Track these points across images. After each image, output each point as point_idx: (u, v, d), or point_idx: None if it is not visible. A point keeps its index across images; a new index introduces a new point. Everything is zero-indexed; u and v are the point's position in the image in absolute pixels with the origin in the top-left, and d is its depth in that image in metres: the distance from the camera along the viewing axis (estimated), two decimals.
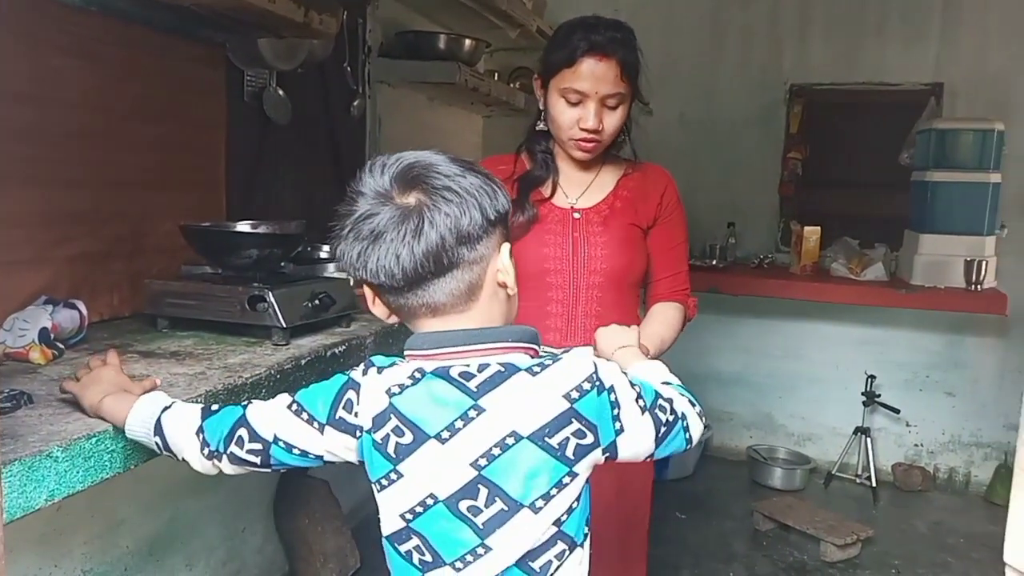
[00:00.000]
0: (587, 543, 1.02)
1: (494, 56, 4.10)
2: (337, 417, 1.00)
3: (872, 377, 3.69)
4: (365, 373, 1.00)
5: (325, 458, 1.03)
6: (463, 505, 0.95)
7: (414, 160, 0.97)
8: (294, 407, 1.03)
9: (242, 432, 1.04)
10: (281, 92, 2.38)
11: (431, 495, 0.96)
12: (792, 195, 3.90)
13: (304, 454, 1.02)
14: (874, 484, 3.64)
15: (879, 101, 3.75)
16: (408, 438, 0.96)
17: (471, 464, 0.94)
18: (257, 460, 1.04)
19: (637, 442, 1.00)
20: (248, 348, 1.57)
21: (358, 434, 0.99)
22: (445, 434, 0.95)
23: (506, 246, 1.00)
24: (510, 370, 0.95)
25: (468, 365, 0.96)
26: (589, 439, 0.95)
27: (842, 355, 3.85)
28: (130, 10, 1.79)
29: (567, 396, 0.94)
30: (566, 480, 0.95)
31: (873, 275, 3.31)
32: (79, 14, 1.69)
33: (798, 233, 3.50)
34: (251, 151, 2.34)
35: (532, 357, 0.99)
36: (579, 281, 1.65)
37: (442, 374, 0.96)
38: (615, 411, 0.97)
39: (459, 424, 0.94)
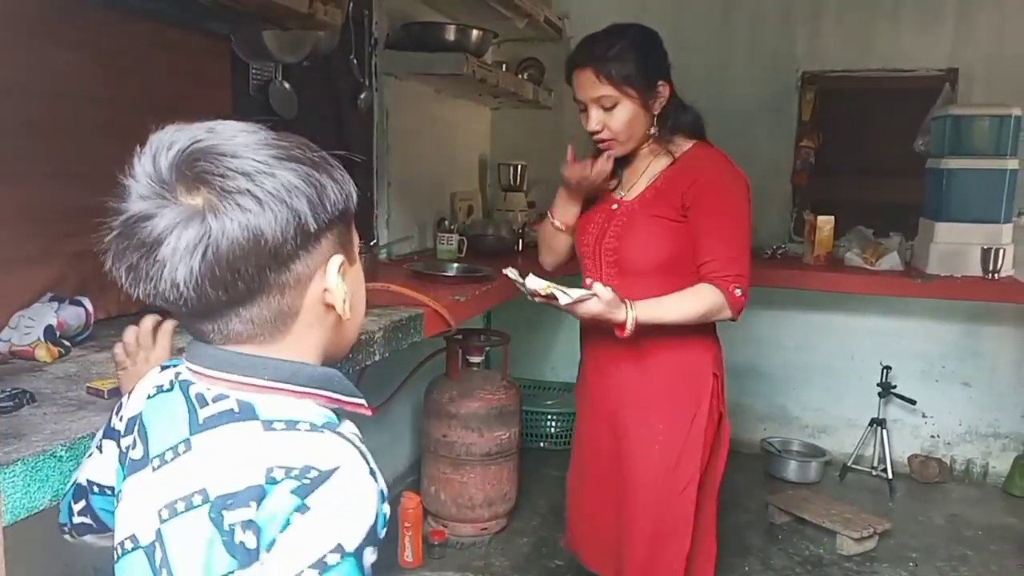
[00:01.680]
0: None
1: (502, 47, 4.07)
2: (110, 424, 0.86)
3: (888, 368, 3.65)
4: (146, 377, 0.86)
5: (116, 487, 0.83)
6: (155, 557, 0.74)
7: (206, 143, 0.72)
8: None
9: (73, 495, 0.90)
10: (287, 85, 2.35)
11: (132, 535, 0.77)
12: (805, 184, 3.85)
13: (102, 491, 0.86)
14: (890, 476, 3.60)
15: (893, 88, 3.69)
16: (137, 452, 0.78)
17: (158, 511, 0.74)
18: (90, 520, 0.89)
19: None
20: None
21: (118, 440, 0.83)
22: (157, 462, 0.76)
23: (334, 260, 0.77)
24: (244, 414, 0.73)
25: (207, 390, 0.76)
26: (251, 539, 0.68)
27: (857, 346, 3.81)
28: (135, 3, 1.77)
29: (269, 470, 0.68)
30: None
31: (888, 264, 3.26)
32: (84, 8, 1.67)
33: (811, 223, 3.45)
34: None
35: (325, 406, 0.77)
36: (600, 267, 1.88)
37: (184, 389, 0.78)
38: (275, 534, 0.67)
39: (169, 455, 0.75)
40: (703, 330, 1.87)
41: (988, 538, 3.16)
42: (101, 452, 0.87)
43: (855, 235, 3.49)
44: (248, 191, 0.69)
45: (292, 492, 0.67)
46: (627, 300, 1.70)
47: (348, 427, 0.75)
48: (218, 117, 2.25)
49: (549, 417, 3.92)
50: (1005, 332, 3.64)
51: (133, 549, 0.76)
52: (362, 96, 2.86)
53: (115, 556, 0.79)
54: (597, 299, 1.65)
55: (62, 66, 1.62)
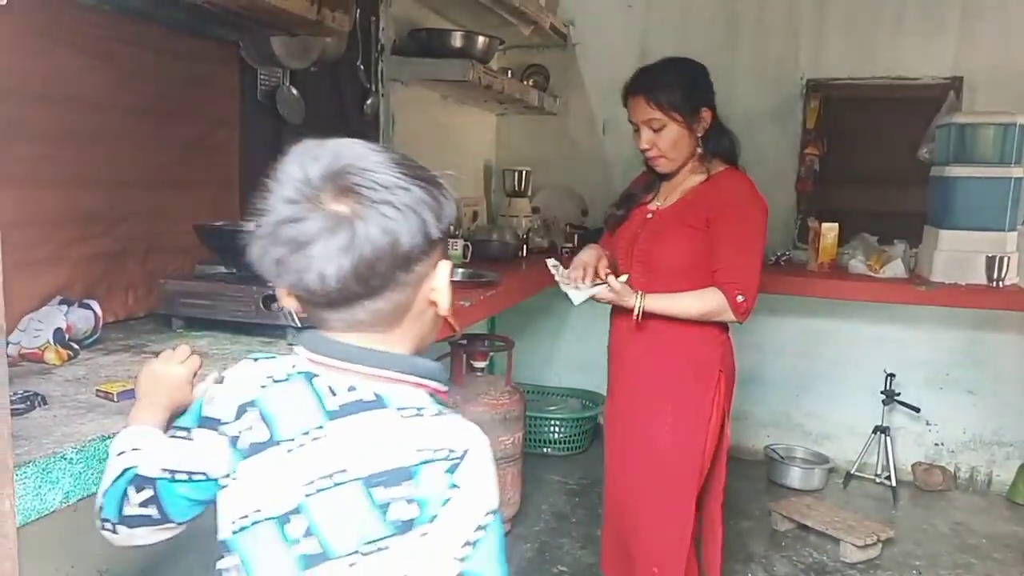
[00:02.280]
0: None
1: (508, 53, 4.09)
2: (203, 415, 0.92)
3: (891, 375, 3.65)
4: (235, 368, 0.94)
5: (209, 473, 0.90)
6: (288, 529, 0.85)
7: (350, 159, 0.83)
8: (169, 431, 0.96)
9: (131, 488, 0.93)
10: (294, 91, 2.37)
11: (258, 509, 0.86)
12: (809, 191, 3.85)
13: (189, 477, 0.91)
14: (894, 484, 3.59)
15: (897, 96, 3.70)
16: (261, 436, 0.87)
17: (302, 486, 0.85)
18: (152, 511, 0.93)
19: (425, 570, 0.82)
20: (262, 348, 1.56)
21: (220, 429, 0.90)
22: (290, 444, 0.86)
23: (445, 264, 0.90)
24: (376, 403, 0.85)
25: (337, 382, 0.87)
26: (413, 512, 0.81)
27: (861, 353, 3.81)
28: (144, 9, 1.79)
29: (421, 451, 0.82)
30: (380, 546, 0.82)
31: (892, 272, 3.26)
32: (93, 13, 1.68)
33: (816, 230, 3.45)
34: (265, 150, 2.33)
35: (429, 394, 0.88)
36: (632, 265, 2.12)
37: (309, 380, 0.88)
38: (436, 509, 0.81)
39: (304, 439, 0.85)
40: (713, 330, 2.09)
41: (992, 546, 3.16)
42: (192, 440, 0.92)
43: (859, 242, 3.49)
44: (390, 202, 0.82)
45: (446, 472, 0.81)
46: (639, 292, 2.02)
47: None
48: (226, 122, 2.28)
49: (553, 423, 3.92)
50: (1010, 340, 3.64)
51: (260, 521, 0.86)
52: (369, 102, 2.87)
53: (229, 528, 0.88)
54: (608, 288, 2.01)
55: (71, 71, 1.64)
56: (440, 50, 2.99)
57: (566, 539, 3.12)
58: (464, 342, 2.98)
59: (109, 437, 1.05)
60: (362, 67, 2.79)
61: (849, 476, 3.71)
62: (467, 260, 3.22)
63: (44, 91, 1.58)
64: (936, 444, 3.80)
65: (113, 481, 0.94)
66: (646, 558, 2.14)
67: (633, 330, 2.08)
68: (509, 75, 3.51)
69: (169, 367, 1.05)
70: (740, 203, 2.05)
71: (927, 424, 3.78)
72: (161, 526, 0.95)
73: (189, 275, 1.86)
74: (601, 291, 2.03)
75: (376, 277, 0.82)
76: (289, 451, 0.86)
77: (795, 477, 3.68)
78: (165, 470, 0.92)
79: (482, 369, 3.07)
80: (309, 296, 0.84)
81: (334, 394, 0.86)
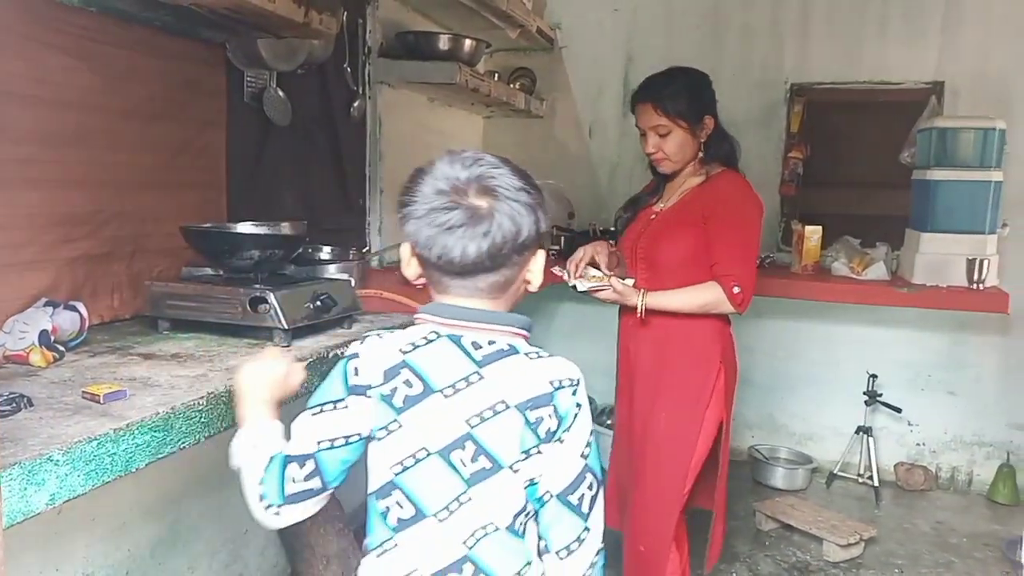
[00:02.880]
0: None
1: (494, 56, 4.10)
2: (351, 384, 1.10)
3: (874, 376, 3.68)
4: (363, 343, 1.13)
5: (363, 433, 1.10)
6: (454, 456, 1.08)
7: (490, 168, 1.10)
8: (315, 409, 1.11)
9: (290, 469, 1.10)
10: (281, 93, 2.37)
11: (424, 448, 1.08)
12: (793, 194, 3.89)
13: (347, 441, 1.10)
14: (876, 484, 3.63)
15: (880, 100, 3.74)
16: (417, 389, 1.08)
17: (465, 421, 1.08)
18: (314, 483, 1.10)
19: (560, 465, 1.11)
20: (250, 350, 1.56)
21: (368, 393, 1.09)
22: (448, 391, 1.08)
23: (541, 253, 1.17)
24: (511, 351, 1.12)
25: (478, 338, 1.11)
26: (553, 425, 1.09)
27: (844, 354, 3.85)
28: (129, 10, 1.78)
29: (552, 383, 1.10)
30: (534, 452, 1.09)
31: (874, 274, 3.30)
32: (77, 14, 1.68)
33: (799, 233, 3.49)
34: (251, 152, 2.33)
35: (525, 340, 1.15)
36: (636, 262, 2.27)
37: (455, 340, 1.11)
38: (569, 422, 1.10)
39: (461, 385, 1.09)
40: (714, 324, 2.23)
41: (973, 545, 3.20)
42: (348, 407, 1.10)
43: (842, 245, 3.52)
44: (518, 201, 1.09)
45: (571, 394, 1.10)
46: (642, 290, 2.16)
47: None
48: (213, 123, 2.28)
49: None
50: (989, 342, 3.68)
51: (425, 457, 1.08)
52: (356, 104, 2.88)
53: (391, 472, 1.09)
54: (612, 289, 2.14)
55: (56, 73, 1.64)
56: (427, 53, 3.00)
57: None
58: None
59: (96, 439, 1.05)
60: (349, 69, 2.80)
61: (832, 476, 3.74)
62: None
63: (29, 92, 1.58)
64: (918, 444, 3.84)
65: (265, 470, 1.11)
66: (635, 536, 2.25)
67: (638, 325, 2.21)
68: (496, 78, 3.52)
69: (267, 366, 1.21)
70: (735, 200, 2.18)
71: (909, 424, 3.82)
72: (319, 496, 1.12)
73: (176, 277, 1.86)
74: (607, 293, 2.16)
75: (500, 257, 1.09)
76: (446, 396, 1.08)
77: (779, 477, 3.72)
78: (322, 442, 1.09)
79: None
80: (447, 266, 1.09)
81: (478, 348, 1.11)
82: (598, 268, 2.24)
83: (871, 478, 3.65)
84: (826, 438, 3.92)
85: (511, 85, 3.82)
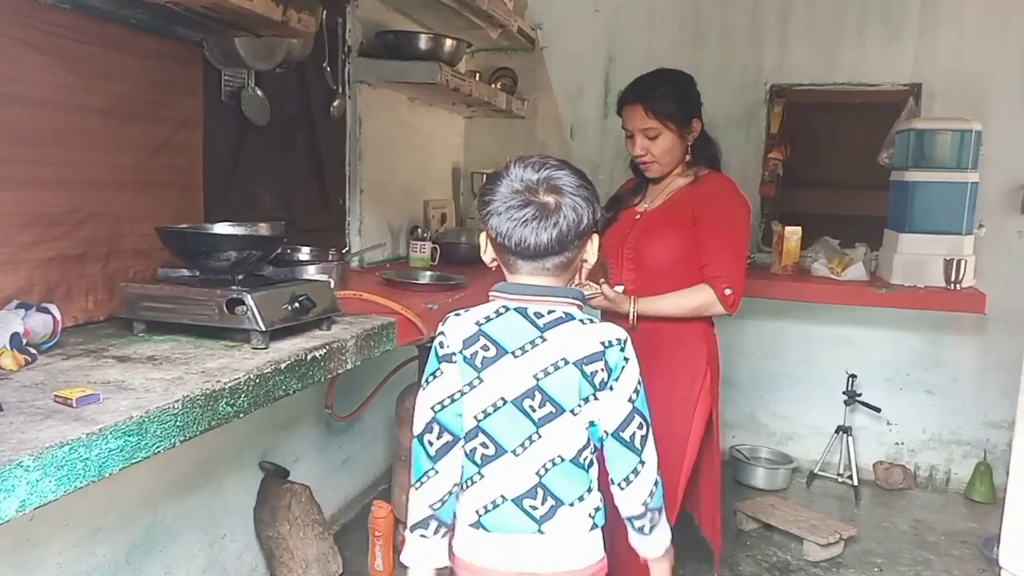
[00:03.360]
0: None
1: (476, 56, 4.09)
2: (440, 355, 1.38)
3: (853, 376, 3.71)
4: (444, 323, 1.40)
5: (461, 389, 1.37)
6: (525, 403, 1.34)
7: (554, 169, 1.34)
8: (423, 385, 1.40)
9: (425, 439, 1.38)
10: (259, 92, 2.34)
11: (501, 398, 1.35)
12: (773, 195, 3.91)
13: (451, 399, 1.37)
14: (856, 483, 3.66)
15: (858, 102, 3.77)
16: (492, 352, 1.35)
17: (533, 375, 1.33)
18: (446, 437, 1.37)
19: (612, 408, 1.35)
20: (227, 352, 1.54)
21: (454, 358, 1.37)
22: (518, 352, 1.34)
23: (595, 238, 1.41)
24: (568, 318, 1.36)
25: (540, 309, 1.36)
26: (605, 376, 1.34)
27: (823, 354, 3.87)
28: (104, 8, 1.75)
29: (602, 342, 1.34)
30: (591, 398, 1.34)
31: (853, 275, 3.32)
32: (51, 12, 1.65)
33: (779, 233, 3.51)
34: (229, 152, 2.31)
35: (579, 309, 1.39)
36: (622, 263, 2.25)
37: (522, 311, 1.36)
38: (618, 373, 1.34)
39: (528, 347, 1.34)
40: (701, 326, 2.23)
41: (950, 543, 3.23)
42: (444, 373, 1.38)
43: (822, 245, 3.55)
44: (579, 196, 1.33)
45: (619, 351, 1.34)
46: (632, 296, 2.16)
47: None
48: (190, 123, 2.25)
49: None
50: (966, 341, 3.72)
51: (502, 405, 1.35)
52: (335, 103, 2.86)
53: (474, 419, 1.37)
54: (603, 297, 2.13)
55: (30, 71, 1.61)
56: (407, 52, 2.98)
57: None
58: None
59: (67, 444, 1.03)
60: (328, 69, 2.77)
61: (812, 475, 3.77)
62: (435, 263, 3.22)
63: (2, 91, 1.55)
64: (896, 443, 3.88)
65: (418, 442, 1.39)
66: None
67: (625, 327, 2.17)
68: (477, 78, 3.51)
69: None
70: (724, 201, 2.18)
71: (888, 424, 3.86)
72: (457, 445, 1.38)
73: (151, 278, 1.83)
74: (598, 300, 2.15)
75: (566, 242, 1.33)
76: (516, 356, 1.34)
77: (760, 477, 3.73)
78: (435, 406, 1.37)
79: None
80: (523, 252, 1.33)
81: (540, 316, 1.35)
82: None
83: (851, 477, 3.68)
84: (806, 438, 3.94)
85: (492, 85, 3.81)
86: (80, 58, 1.72)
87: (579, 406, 1.33)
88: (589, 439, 1.37)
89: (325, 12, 2.52)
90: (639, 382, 1.36)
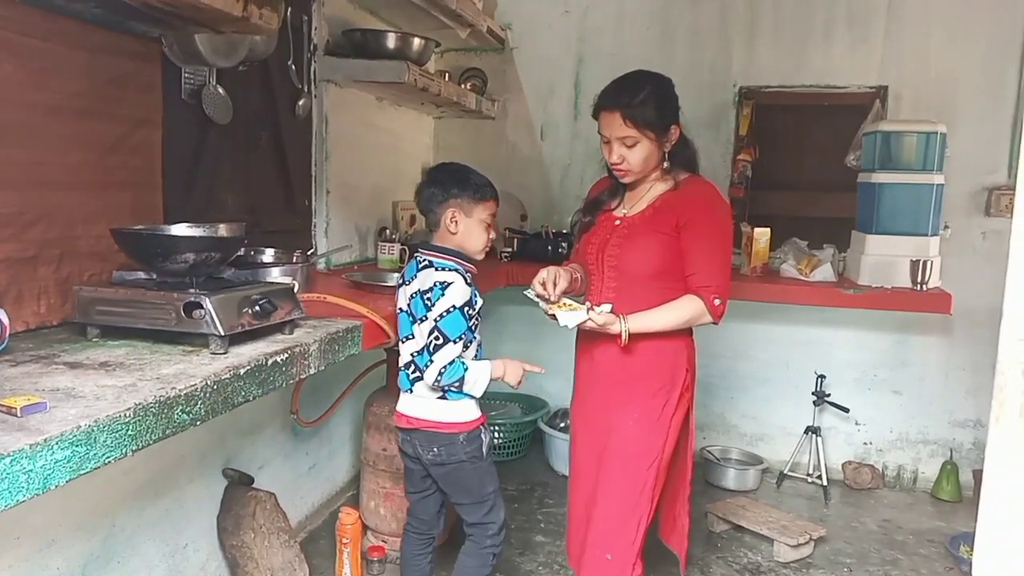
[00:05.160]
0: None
1: (445, 56, 4.06)
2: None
3: (822, 377, 3.73)
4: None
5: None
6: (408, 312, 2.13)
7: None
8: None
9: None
10: (221, 90, 2.29)
11: (400, 308, 2.16)
12: (742, 197, 3.92)
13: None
14: (825, 483, 3.68)
15: (826, 104, 3.79)
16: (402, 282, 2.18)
17: (408, 296, 2.11)
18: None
19: (428, 325, 2.04)
20: (184, 357, 1.49)
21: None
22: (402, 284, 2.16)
23: (450, 211, 2.10)
24: (433, 265, 2.05)
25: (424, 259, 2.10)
26: (431, 303, 2.03)
27: (792, 355, 3.89)
28: (54, 1, 1.69)
29: (438, 282, 2.03)
30: (427, 316, 2.04)
31: (822, 276, 3.34)
32: None
33: (748, 234, 3.51)
34: (190, 151, 2.25)
35: (450, 260, 2.07)
36: (603, 272, 2.18)
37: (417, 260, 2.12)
38: (436, 300, 2.02)
39: (410, 279, 2.10)
40: (683, 339, 2.19)
41: (918, 542, 3.25)
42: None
43: (790, 247, 3.56)
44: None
45: (440, 290, 2.00)
46: (621, 316, 2.04)
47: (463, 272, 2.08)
48: (147, 121, 2.19)
49: (493, 428, 3.89)
50: (932, 342, 3.76)
51: (399, 312, 2.12)
52: (301, 102, 2.81)
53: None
54: (592, 322, 2.01)
55: None
56: (375, 51, 2.94)
57: (503, 546, 3.08)
58: None
59: (9, 455, 0.98)
60: (293, 67, 2.72)
61: (782, 476, 3.78)
62: (404, 264, 3.17)
63: None
64: (865, 443, 3.91)
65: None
66: (601, 544, 2.17)
67: (606, 344, 2.14)
68: (447, 78, 3.47)
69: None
70: (708, 209, 2.11)
71: (856, 424, 3.88)
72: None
73: (107, 281, 1.77)
74: (587, 325, 2.03)
75: (425, 211, 2.18)
76: (399, 287, 2.15)
77: (730, 478, 3.74)
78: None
79: None
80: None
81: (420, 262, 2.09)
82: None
83: (820, 477, 3.69)
84: (776, 438, 3.96)
85: (462, 85, 3.78)
86: (29, 53, 1.66)
87: (425, 319, 2.02)
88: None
89: (289, 9, 2.47)
90: (450, 310, 1.98)
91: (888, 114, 3.63)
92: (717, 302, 2.07)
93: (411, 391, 2.12)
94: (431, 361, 2.00)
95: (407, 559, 2.37)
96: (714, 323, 2.11)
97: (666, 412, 2.17)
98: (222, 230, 1.80)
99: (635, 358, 2.14)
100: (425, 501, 2.31)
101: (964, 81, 3.59)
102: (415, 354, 2.08)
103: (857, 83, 3.73)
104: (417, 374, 2.08)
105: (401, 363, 2.14)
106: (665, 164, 2.15)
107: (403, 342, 2.11)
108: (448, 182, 2.07)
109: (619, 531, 2.15)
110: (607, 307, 2.06)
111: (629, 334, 2.04)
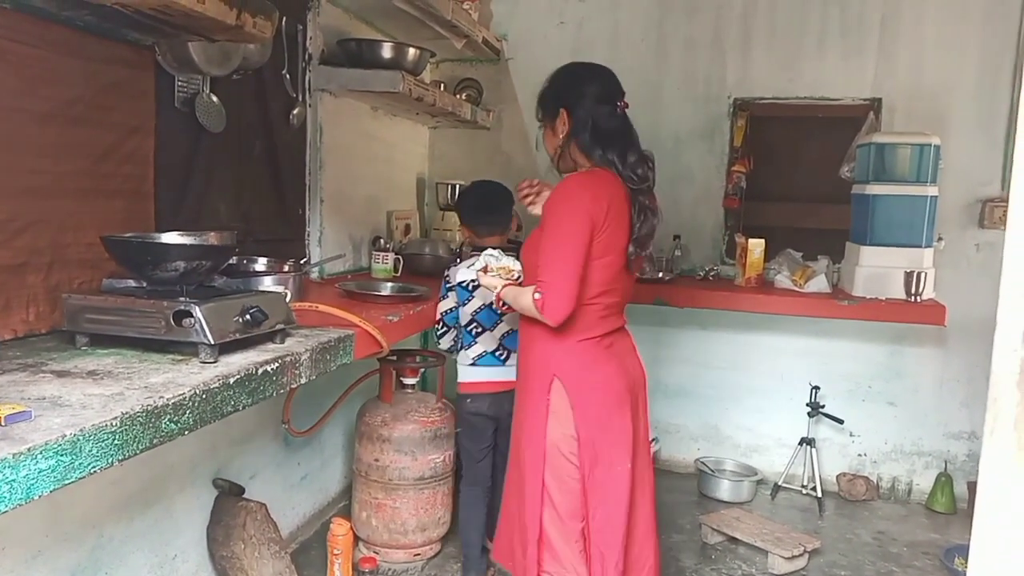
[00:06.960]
0: None
1: (440, 67, 4.06)
2: None
3: (816, 388, 3.73)
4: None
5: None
6: None
7: None
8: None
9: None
10: (215, 98, 2.29)
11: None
12: (736, 208, 3.92)
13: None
14: (819, 494, 3.66)
15: (820, 116, 3.80)
16: None
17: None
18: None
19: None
20: (173, 366, 1.48)
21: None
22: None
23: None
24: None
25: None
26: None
27: (787, 366, 3.88)
28: (47, 8, 1.69)
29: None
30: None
31: (816, 287, 3.34)
32: None
33: (743, 246, 3.51)
34: (182, 160, 2.24)
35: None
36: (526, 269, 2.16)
37: None
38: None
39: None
40: (546, 331, 2.06)
41: (912, 554, 3.24)
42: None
43: (784, 258, 3.56)
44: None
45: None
46: (506, 282, 2.12)
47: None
48: (140, 129, 2.19)
49: None
50: (927, 353, 3.76)
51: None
52: (295, 111, 2.80)
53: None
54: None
55: None
56: (370, 61, 2.94)
57: None
58: (394, 358, 2.91)
59: None
60: (288, 76, 2.72)
61: (777, 487, 3.77)
62: (398, 274, 3.17)
63: None
64: (859, 455, 3.90)
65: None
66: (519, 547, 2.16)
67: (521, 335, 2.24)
68: (442, 88, 3.48)
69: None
70: (554, 202, 2.03)
71: (851, 435, 3.87)
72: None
73: (96, 289, 1.76)
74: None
75: None
76: None
77: (725, 490, 3.72)
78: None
79: (413, 385, 3.01)
80: None
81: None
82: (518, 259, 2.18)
83: (814, 489, 3.68)
84: (770, 449, 3.95)
85: (457, 95, 3.78)
86: (20, 60, 1.65)
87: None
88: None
89: (284, 18, 2.47)
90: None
91: (882, 126, 3.64)
92: (537, 296, 1.95)
93: (503, 365, 2.66)
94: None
95: (470, 519, 2.79)
96: (544, 320, 1.97)
97: (538, 416, 2.06)
98: (212, 238, 1.79)
99: (521, 354, 2.23)
100: (487, 460, 2.76)
101: (958, 93, 3.60)
102: (504, 336, 2.66)
103: (851, 95, 3.74)
104: (505, 353, 2.66)
105: (488, 350, 2.67)
106: (579, 154, 2.09)
107: (491, 329, 2.66)
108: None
109: (520, 537, 2.14)
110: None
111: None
